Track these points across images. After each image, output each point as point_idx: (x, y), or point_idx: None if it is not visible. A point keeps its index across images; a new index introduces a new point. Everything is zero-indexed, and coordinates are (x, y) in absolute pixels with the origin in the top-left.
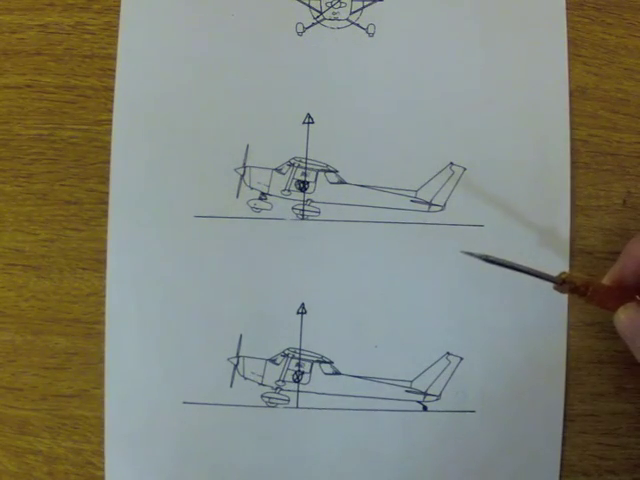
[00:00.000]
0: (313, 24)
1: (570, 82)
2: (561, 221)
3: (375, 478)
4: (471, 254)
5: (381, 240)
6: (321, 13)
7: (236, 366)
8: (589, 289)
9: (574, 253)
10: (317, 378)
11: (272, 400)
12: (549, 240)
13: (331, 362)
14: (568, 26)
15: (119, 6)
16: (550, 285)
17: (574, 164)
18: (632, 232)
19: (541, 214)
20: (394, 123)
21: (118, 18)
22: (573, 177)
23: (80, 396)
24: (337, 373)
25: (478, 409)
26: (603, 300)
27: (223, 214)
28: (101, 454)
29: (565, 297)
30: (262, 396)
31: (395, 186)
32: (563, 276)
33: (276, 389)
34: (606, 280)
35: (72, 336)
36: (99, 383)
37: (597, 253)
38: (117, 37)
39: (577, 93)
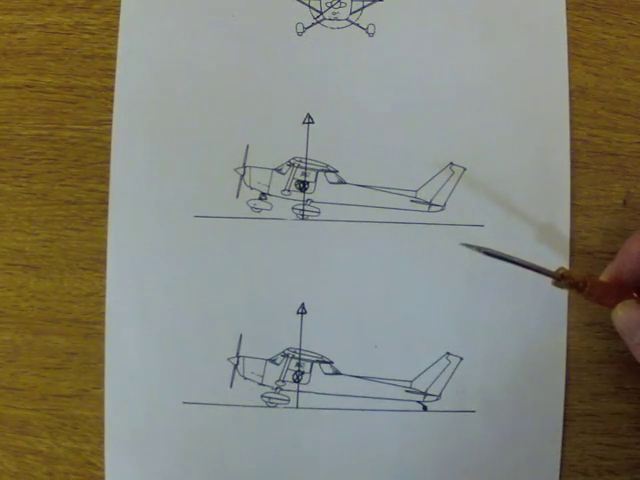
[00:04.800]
0: (313, 24)
1: (570, 82)
2: (561, 221)
3: (375, 478)
4: (470, 246)
5: (381, 240)
6: (321, 13)
7: (236, 366)
8: (587, 285)
9: (574, 253)
10: (317, 378)
11: (272, 400)
12: (549, 240)
13: (331, 362)
14: (568, 26)
15: (119, 6)
16: (550, 285)
17: (574, 164)
18: (632, 232)
19: (541, 214)
20: (394, 123)
21: (118, 18)
22: (573, 177)
23: (80, 396)
24: (337, 373)
25: (478, 409)
26: (601, 296)
27: (223, 214)
28: (101, 454)
29: (565, 297)
30: (262, 396)
31: (395, 186)
32: (561, 271)
33: (276, 389)
34: (604, 277)
35: (72, 336)
36: (99, 383)
37: (597, 253)
38: (117, 37)
39: (577, 93)
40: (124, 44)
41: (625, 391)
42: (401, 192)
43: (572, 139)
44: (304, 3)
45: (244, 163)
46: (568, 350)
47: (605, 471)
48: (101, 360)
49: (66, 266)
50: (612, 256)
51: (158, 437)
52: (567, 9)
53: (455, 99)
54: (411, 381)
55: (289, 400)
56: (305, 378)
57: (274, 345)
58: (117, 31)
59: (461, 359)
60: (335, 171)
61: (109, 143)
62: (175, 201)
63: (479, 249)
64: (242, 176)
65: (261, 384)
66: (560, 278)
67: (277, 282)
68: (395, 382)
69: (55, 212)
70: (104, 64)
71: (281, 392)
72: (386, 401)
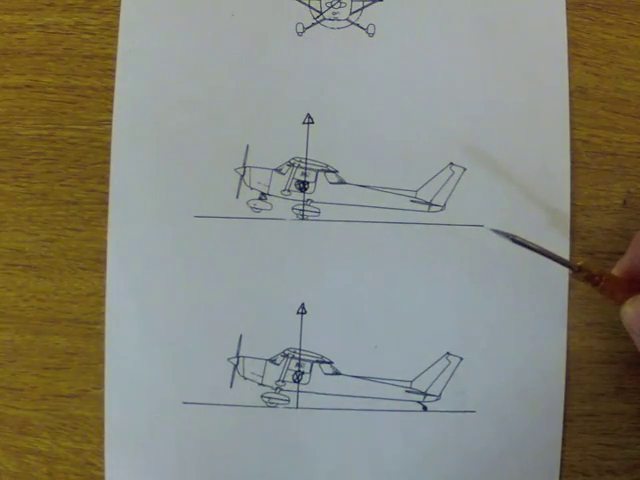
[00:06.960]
0: (313, 24)
1: (570, 82)
2: (561, 221)
3: (375, 478)
4: (499, 232)
5: (381, 240)
6: (321, 13)
7: (236, 366)
8: (602, 278)
9: (574, 253)
10: (317, 378)
11: (272, 400)
12: (549, 240)
13: (331, 362)
14: (568, 26)
15: (119, 6)
16: (550, 286)
17: (574, 164)
18: (632, 232)
19: (541, 214)
20: (394, 123)
21: (118, 18)
22: (573, 177)
23: (80, 396)
24: (337, 373)
25: (478, 409)
26: (613, 291)
27: (223, 214)
28: (101, 454)
29: (565, 297)
30: (262, 396)
31: (395, 186)
32: (579, 263)
33: (276, 389)
34: (615, 271)
35: (72, 336)
36: (99, 383)
37: (597, 253)
38: (117, 37)
39: (577, 93)
40: (124, 44)
41: (625, 391)
42: (401, 192)
43: (572, 139)
44: (304, 3)
45: (244, 163)
46: (568, 350)
47: (605, 471)
48: (101, 360)
49: (66, 266)
50: (613, 256)
51: (158, 437)
52: (567, 9)
53: (455, 99)
54: (411, 381)
55: (289, 400)
56: (305, 378)
57: (274, 345)
58: (117, 31)
59: (461, 359)
60: (335, 171)
61: (109, 143)
62: (175, 201)
63: (507, 236)
64: (242, 176)
65: (261, 384)
66: (578, 270)
67: (277, 282)
68: (395, 382)
69: (55, 212)
70: (104, 64)
71: (281, 392)
72: (386, 401)
